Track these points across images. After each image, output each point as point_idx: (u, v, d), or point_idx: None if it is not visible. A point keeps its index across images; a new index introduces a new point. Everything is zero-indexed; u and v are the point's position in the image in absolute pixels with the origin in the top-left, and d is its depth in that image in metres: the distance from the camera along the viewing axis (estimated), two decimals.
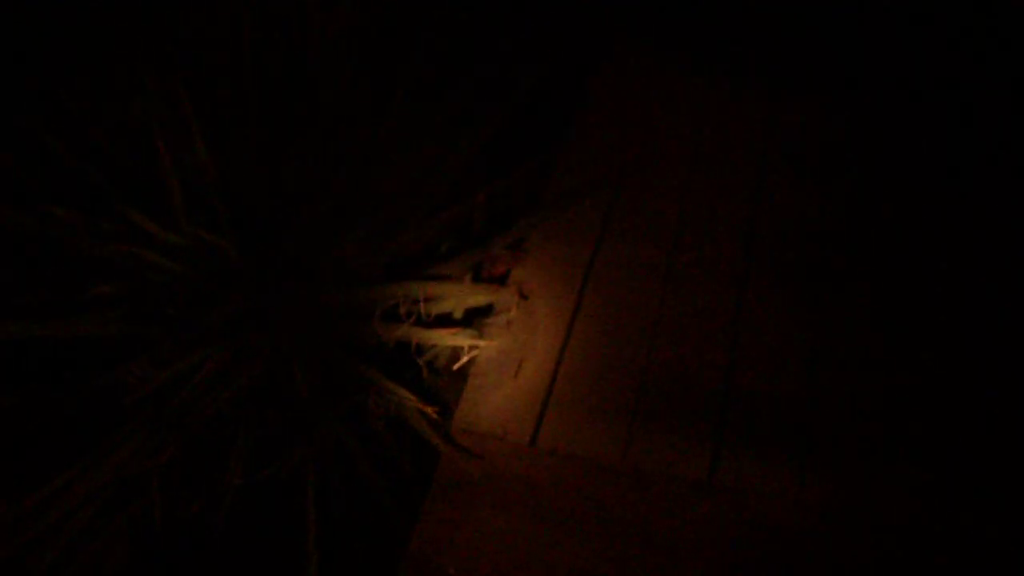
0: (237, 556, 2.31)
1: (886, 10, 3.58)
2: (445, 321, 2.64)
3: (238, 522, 2.28)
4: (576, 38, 3.46)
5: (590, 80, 3.39)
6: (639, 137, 3.20)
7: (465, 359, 2.61)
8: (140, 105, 2.43)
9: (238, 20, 2.56)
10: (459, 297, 2.67)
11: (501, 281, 2.75)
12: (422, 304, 2.60)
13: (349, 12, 2.67)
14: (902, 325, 2.66)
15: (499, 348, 2.60)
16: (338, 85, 2.70)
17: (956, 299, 2.70)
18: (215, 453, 2.36)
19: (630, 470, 2.36)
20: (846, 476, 2.35)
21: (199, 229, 2.48)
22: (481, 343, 2.59)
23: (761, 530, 2.26)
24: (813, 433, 2.43)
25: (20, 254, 2.45)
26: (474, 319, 2.67)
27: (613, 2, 3.66)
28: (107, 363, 2.40)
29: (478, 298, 2.70)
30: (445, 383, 2.59)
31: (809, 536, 2.25)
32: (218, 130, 2.52)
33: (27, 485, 2.23)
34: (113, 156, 2.56)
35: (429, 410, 2.44)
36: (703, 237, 2.87)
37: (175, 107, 2.39)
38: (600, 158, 3.12)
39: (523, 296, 2.71)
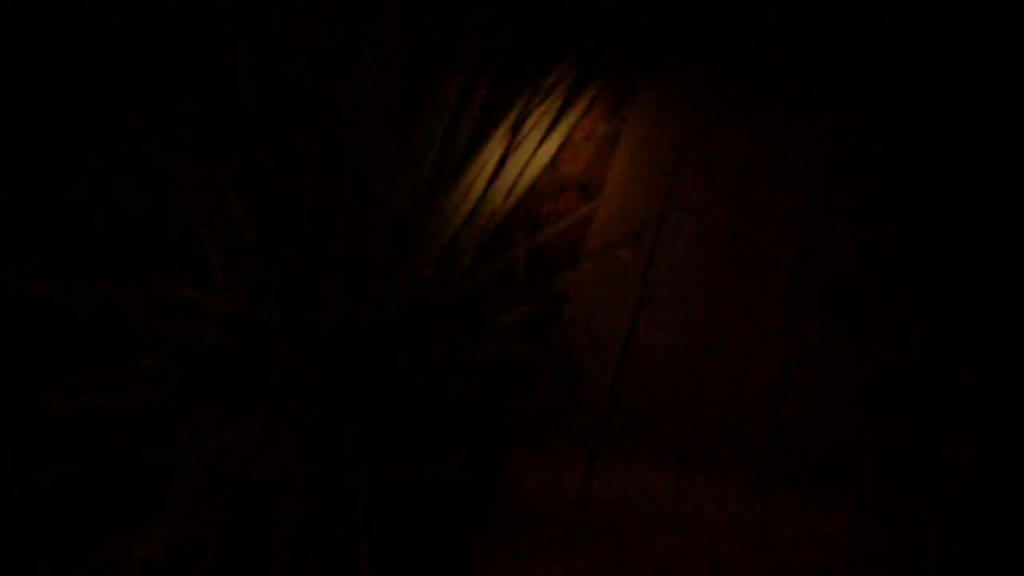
0: None
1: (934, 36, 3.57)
2: (490, 375, 2.63)
3: None
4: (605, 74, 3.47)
5: (621, 118, 3.40)
6: (674, 177, 3.19)
7: (512, 413, 2.59)
8: (177, 172, 2.46)
9: (274, 76, 2.59)
10: (503, 349, 2.66)
11: (545, 330, 2.74)
12: (465, 362, 2.60)
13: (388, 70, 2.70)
14: (956, 362, 2.62)
15: (546, 399, 2.58)
16: (376, 142, 2.72)
17: (1013, 334, 2.65)
18: (264, 519, 2.36)
19: (680, 511, 2.33)
20: (898, 519, 2.30)
21: (241, 295, 2.50)
22: (526, 397, 2.58)
23: (813, 571, 2.21)
24: (867, 470, 2.39)
25: (65, 328, 2.48)
26: (519, 372, 2.66)
27: (635, 46, 3.67)
28: (157, 432, 2.42)
29: (522, 350, 2.69)
30: (495, 433, 2.58)
31: None
32: (256, 191, 2.55)
33: (79, 557, 2.24)
34: (148, 224, 2.60)
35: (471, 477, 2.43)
36: (747, 276, 2.85)
37: (212, 171, 2.42)
38: (640, 200, 3.12)
39: (567, 347, 2.69)
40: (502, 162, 2.83)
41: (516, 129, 2.89)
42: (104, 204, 2.49)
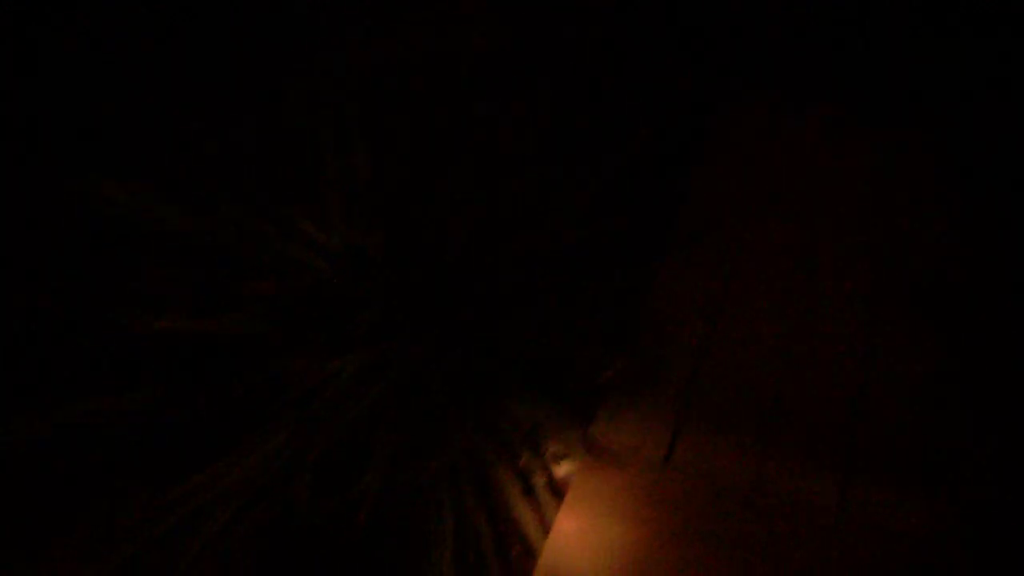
0: (370, 560, 2.35)
1: None
2: (583, 338, 2.67)
3: (374, 526, 2.33)
4: (695, 83, 3.43)
5: (710, 122, 3.37)
6: (763, 173, 3.17)
7: (608, 373, 2.62)
8: (305, 113, 2.51)
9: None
10: (599, 312, 2.69)
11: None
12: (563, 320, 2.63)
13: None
14: None
15: (638, 366, 2.61)
16: (484, 108, 2.75)
17: None
18: (355, 455, 2.42)
19: (760, 494, 2.35)
20: (978, 509, 2.30)
21: (352, 232, 2.55)
22: (619, 362, 2.61)
23: (890, 562, 2.23)
24: (945, 464, 2.39)
25: (177, 252, 2.55)
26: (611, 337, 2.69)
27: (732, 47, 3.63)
28: (255, 360, 2.48)
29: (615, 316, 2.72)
30: (584, 396, 2.61)
31: (940, 572, 2.21)
32: (377, 140, 2.59)
33: (175, 478, 2.32)
34: (270, 159, 2.65)
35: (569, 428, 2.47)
36: (832, 267, 2.84)
37: (338, 116, 2.46)
38: (729, 190, 3.11)
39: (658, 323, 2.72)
40: None
41: None
42: (219, 136, 2.55)
